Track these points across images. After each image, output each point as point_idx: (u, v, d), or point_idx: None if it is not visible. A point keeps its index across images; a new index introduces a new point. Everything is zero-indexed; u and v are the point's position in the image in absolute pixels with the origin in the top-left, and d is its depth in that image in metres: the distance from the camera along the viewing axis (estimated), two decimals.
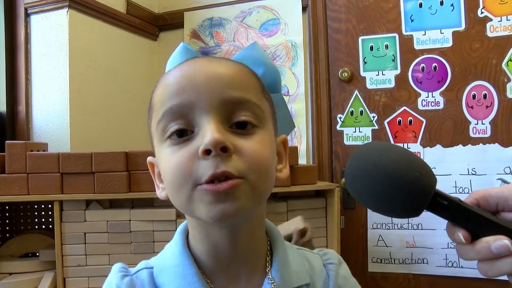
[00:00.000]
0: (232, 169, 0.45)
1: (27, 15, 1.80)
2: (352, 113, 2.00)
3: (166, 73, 0.54)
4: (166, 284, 0.53)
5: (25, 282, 1.45)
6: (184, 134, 0.48)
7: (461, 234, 0.45)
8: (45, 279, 1.45)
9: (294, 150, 1.63)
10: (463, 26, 1.84)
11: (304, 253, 0.62)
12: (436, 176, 0.47)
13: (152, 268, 0.56)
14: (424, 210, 0.47)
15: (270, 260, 0.56)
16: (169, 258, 0.55)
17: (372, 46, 1.96)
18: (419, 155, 1.88)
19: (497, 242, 0.43)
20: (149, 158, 0.57)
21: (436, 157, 1.87)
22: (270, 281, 0.53)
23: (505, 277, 0.45)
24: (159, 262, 0.56)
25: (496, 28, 1.80)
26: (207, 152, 0.45)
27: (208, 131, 0.45)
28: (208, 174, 0.45)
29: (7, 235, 1.70)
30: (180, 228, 0.58)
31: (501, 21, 1.79)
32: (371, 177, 0.46)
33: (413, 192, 0.45)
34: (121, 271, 0.55)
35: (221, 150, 0.45)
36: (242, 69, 0.53)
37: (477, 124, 1.82)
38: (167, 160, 0.48)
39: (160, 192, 0.56)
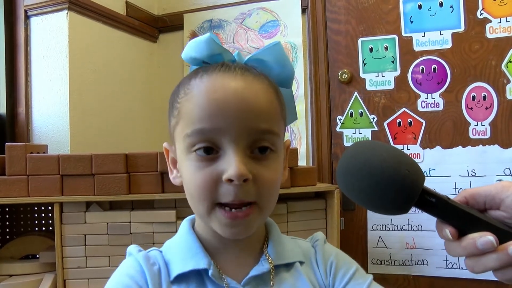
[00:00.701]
0: (248, 197, 0.53)
1: (27, 17, 1.80)
2: (351, 114, 2.01)
3: (196, 83, 0.55)
4: (172, 258, 0.60)
5: (25, 284, 1.45)
6: (210, 152, 0.53)
7: (448, 231, 0.47)
8: (45, 281, 1.45)
9: (294, 152, 1.63)
10: (463, 28, 1.84)
11: (299, 241, 0.69)
12: (424, 174, 0.49)
13: (161, 251, 0.63)
14: (413, 207, 0.48)
15: (267, 242, 0.63)
16: (176, 239, 0.63)
17: (371, 47, 1.97)
18: (418, 157, 1.89)
19: (482, 238, 0.44)
20: (165, 144, 0.64)
21: (435, 159, 1.87)
22: (266, 256, 0.61)
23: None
24: (166, 245, 0.64)
25: (495, 30, 1.81)
26: (230, 180, 0.51)
27: (233, 162, 0.51)
28: (228, 200, 0.52)
29: (7, 237, 1.69)
30: (186, 219, 0.65)
31: (500, 22, 1.79)
32: (360, 174, 0.48)
33: (401, 189, 0.46)
34: (137, 248, 0.62)
35: (243, 181, 0.52)
36: (269, 94, 0.57)
37: (477, 125, 1.82)
38: (192, 174, 0.54)
39: (174, 178, 0.62)
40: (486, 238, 0.44)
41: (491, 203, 0.48)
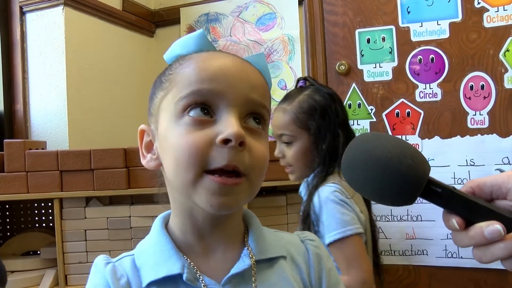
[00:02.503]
0: (241, 165, 0.50)
1: (22, 14, 1.80)
2: (350, 106, 2.00)
3: (193, 56, 0.55)
4: (144, 263, 0.56)
5: (27, 279, 1.46)
6: (205, 114, 0.51)
7: (455, 221, 0.46)
8: (46, 276, 1.46)
9: None
10: (460, 17, 1.84)
11: (281, 233, 0.66)
12: (430, 164, 0.48)
13: (132, 255, 0.59)
14: (418, 198, 0.48)
15: (247, 235, 0.60)
16: (148, 240, 0.59)
17: (369, 38, 1.96)
18: (417, 147, 1.89)
19: (489, 227, 0.44)
20: (142, 126, 0.60)
21: (434, 149, 1.87)
22: (248, 251, 0.57)
23: (502, 267, 0.46)
24: (138, 247, 0.60)
25: (493, 19, 1.80)
26: (226, 141, 0.49)
27: (231, 124, 0.49)
28: (222, 163, 0.49)
29: (8, 233, 1.70)
30: (158, 217, 0.61)
31: (498, 11, 1.79)
32: (365, 166, 0.47)
33: (406, 179, 0.46)
34: (104, 260, 0.58)
35: (239, 144, 0.49)
36: (262, 77, 0.57)
37: (475, 115, 1.82)
38: (182, 138, 0.51)
39: (148, 162, 0.58)
40: (493, 227, 0.43)
41: (498, 192, 0.47)
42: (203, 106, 0.51)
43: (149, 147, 0.59)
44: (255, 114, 0.54)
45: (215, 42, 2.23)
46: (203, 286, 0.54)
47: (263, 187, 1.58)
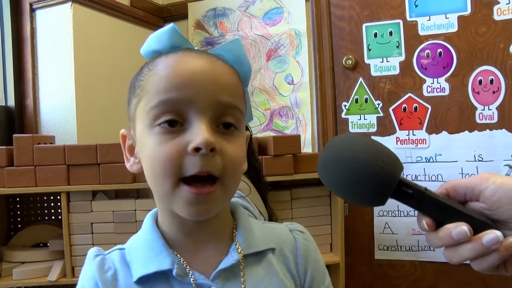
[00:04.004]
0: (215, 170, 0.51)
1: (32, 10, 1.82)
2: (357, 100, 2.00)
3: (161, 60, 0.55)
4: (135, 258, 0.58)
5: (36, 271, 1.49)
6: (175, 125, 0.52)
7: (424, 222, 0.47)
8: (54, 268, 1.49)
9: (297, 138, 1.63)
10: (469, 10, 1.81)
11: (269, 224, 0.68)
12: (402, 165, 0.49)
13: (124, 249, 0.60)
14: (390, 198, 0.48)
15: (236, 229, 0.62)
16: (139, 236, 0.61)
17: (376, 33, 1.95)
18: (424, 142, 1.87)
19: (457, 228, 0.45)
20: (123, 131, 0.61)
21: (442, 144, 1.86)
22: (236, 246, 0.59)
23: None
24: (130, 242, 0.61)
25: (503, 11, 1.77)
26: (197, 150, 0.50)
27: (200, 131, 0.50)
28: (195, 171, 0.50)
29: (19, 226, 1.74)
30: (149, 213, 0.63)
31: (509, 3, 1.76)
32: (337, 167, 0.49)
33: (376, 180, 0.47)
34: (94, 252, 0.60)
35: (210, 150, 0.50)
36: (234, 74, 0.57)
37: (484, 109, 1.80)
38: (155, 148, 0.52)
39: (132, 165, 0.60)
40: (460, 228, 0.44)
41: (471, 194, 0.48)
42: (173, 114, 0.52)
43: (131, 150, 0.61)
44: (227, 115, 0.54)
45: (223, 36, 2.24)
46: (193, 281, 0.55)
47: (268, 182, 1.60)
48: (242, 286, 0.57)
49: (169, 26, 0.57)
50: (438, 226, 0.47)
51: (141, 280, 0.55)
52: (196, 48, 0.60)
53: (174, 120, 0.51)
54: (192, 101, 0.51)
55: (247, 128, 1.36)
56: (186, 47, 0.59)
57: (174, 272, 0.55)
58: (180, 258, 0.57)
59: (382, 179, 0.47)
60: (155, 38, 0.58)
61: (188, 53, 0.56)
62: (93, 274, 0.56)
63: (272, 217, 1.36)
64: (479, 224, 0.45)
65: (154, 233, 0.59)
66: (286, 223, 0.69)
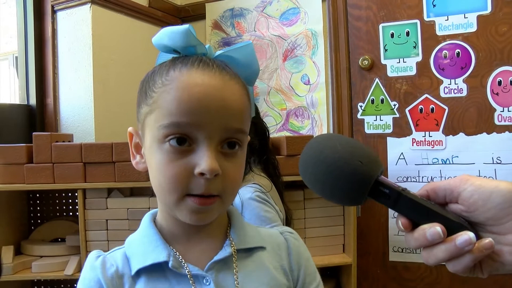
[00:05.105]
0: (215, 190, 0.56)
1: (54, 12, 1.88)
2: (373, 101, 1.98)
3: (176, 76, 0.56)
4: (134, 253, 0.61)
5: (53, 264, 1.54)
6: (183, 144, 0.55)
7: (400, 222, 0.47)
8: (71, 262, 1.54)
9: (310, 139, 1.63)
10: (489, 9, 1.77)
11: (261, 228, 0.72)
12: (381, 165, 0.49)
13: (123, 247, 0.64)
14: (367, 198, 0.49)
15: (229, 228, 0.66)
16: (137, 234, 0.65)
17: (393, 33, 1.93)
18: (441, 144, 1.85)
19: (431, 229, 0.45)
20: (130, 129, 0.64)
21: (458, 146, 1.83)
22: (230, 241, 0.63)
23: None
24: (128, 240, 0.65)
25: None
26: (202, 174, 0.54)
27: (207, 158, 0.54)
28: (198, 192, 0.55)
29: (38, 221, 1.79)
30: (147, 213, 0.67)
31: None
32: (315, 166, 0.49)
33: (352, 179, 0.47)
34: (95, 254, 0.63)
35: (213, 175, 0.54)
36: (243, 95, 0.60)
37: (503, 111, 1.76)
38: (164, 166, 0.55)
39: (138, 164, 0.63)
40: (434, 229, 0.45)
41: (450, 196, 0.48)
42: (182, 136, 0.55)
43: (138, 148, 0.63)
44: (233, 138, 0.57)
45: (240, 37, 2.25)
46: (187, 272, 0.59)
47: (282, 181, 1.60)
48: (235, 276, 0.60)
49: (184, 27, 0.58)
50: (415, 227, 0.47)
51: (140, 273, 0.59)
52: (206, 50, 0.60)
53: (182, 139, 0.55)
54: (202, 126, 0.54)
55: (266, 129, 1.37)
56: (199, 53, 0.60)
57: (169, 264, 0.58)
58: (176, 252, 0.60)
59: (358, 178, 0.47)
60: (169, 34, 0.59)
61: (202, 70, 0.57)
62: (96, 274, 0.59)
63: (288, 215, 1.38)
64: (454, 225, 0.45)
65: (152, 229, 0.62)
66: (276, 227, 0.73)
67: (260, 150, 1.34)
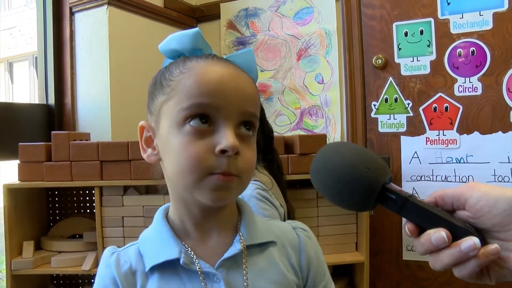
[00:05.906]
0: (235, 170, 0.57)
1: (72, 14, 1.92)
2: (386, 100, 1.98)
3: (193, 64, 0.59)
4: (147, 250, 0.63)
5: (71, 260, 1.59)
6: (204, 124, 0.57)
7: (407, 227, 0.48)
8: (88, 258, 1.58)
9: (323, 137, 1.64)
10: (506, 7, 1.75)
11: (273, 221, 0.72)
12: (389, 172, 0.50)
13: (137, 243, 0.66)
14: (376, 204, 0.50)
15: (240, 222, 0.67)
16: (150, 230, 0.67)
17: (406, 32, 1.92)
18: (455, 143, 1.84)
19: (436, 234, 0.46)
20: (142, 122, 0.65)
21: (473, 145, 1.81)
22: (239, 236, 0.64)
23: None
24: (142, 236, 0.67)
25: None
26: (223, 152, 0.56)
27: (228, 136, 0.56)
28: (222, 169, 0.56)
29: (57, 218, 1.84)
30: (160, 208, 0.68)
31: None
32: (325, 172, 0.52)
33: (359, 185, 0.49)
34: (110, 250, 0.66)
35: (234, 153, 0.56)
36: (254, 85, 0.63)
37: None
38: (184, 146, 0.57)
39: (149, 156, 0.64)
40: (439, 233, 0.45)
41: (458, 203, 0.48)
42: (203, 116, 0.57)
43: (149, 142, 0.64)
44: (247, 122, 0.60)
45: (254, 36, 2.27)
46: (198, 269, 0.60)
47: (295, 180, 1.62)
48: (244, 272, 0.62)
49: (194, 30, 0.61)
50: (422, 232, 0.48)
51: (153, 269, 0.61)
52: (214, 53, 0.63)
53: (205, 119, 0.57)
54: (221, 107, 0.57)
55: (270, 131, 1.40)
56: (208, 53, 0.62)
57: (181, 261, 0.60)
58: (187, 248, 0.62)
59: (365, 184, 0.49)
60: (177, 39, 0.62)
61: (217, 61, 0.61)
62: (111, 270, 0.62)
63: (290, 213, 1.40)
64: (460, 231, 0.46)
65: (164, 226, 0.64)
66: (289, 221, 0.73)
67: (266, 150, 1.36)
